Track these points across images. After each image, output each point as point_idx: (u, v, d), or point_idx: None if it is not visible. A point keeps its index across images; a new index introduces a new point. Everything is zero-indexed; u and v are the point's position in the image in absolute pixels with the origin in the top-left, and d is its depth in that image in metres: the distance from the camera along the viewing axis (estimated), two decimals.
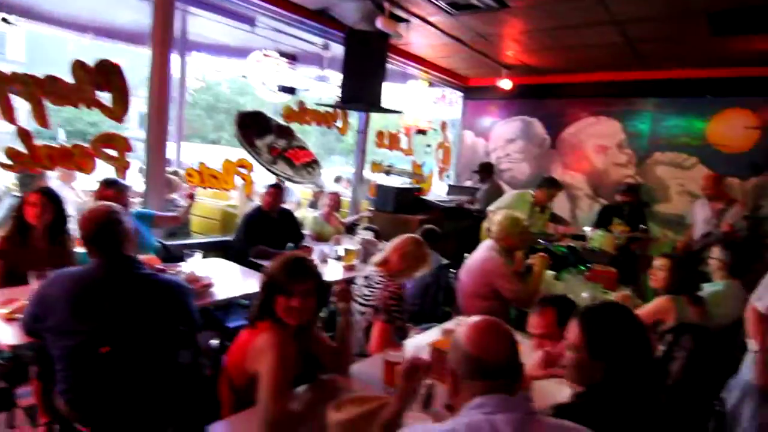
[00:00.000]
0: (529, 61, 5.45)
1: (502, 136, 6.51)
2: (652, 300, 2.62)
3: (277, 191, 3.69)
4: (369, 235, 3.90)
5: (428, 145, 6.34)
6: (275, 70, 4.12)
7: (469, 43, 4.92)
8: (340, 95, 4.05)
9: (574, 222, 5.64)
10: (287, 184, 5.26)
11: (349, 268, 3.44)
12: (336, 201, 4.44)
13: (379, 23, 3.79)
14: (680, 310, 2.45)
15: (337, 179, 7.12)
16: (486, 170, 5.71)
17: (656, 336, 2.51)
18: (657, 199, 5.34)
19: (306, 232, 4.29)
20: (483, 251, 3.08)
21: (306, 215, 4.64)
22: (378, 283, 2.26)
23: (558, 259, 4.27)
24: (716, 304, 2.67)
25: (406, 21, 4.22)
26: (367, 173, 5.61)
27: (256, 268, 3.43)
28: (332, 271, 3.45)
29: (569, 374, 1.27)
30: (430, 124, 5.94)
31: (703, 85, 5.05)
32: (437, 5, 3.82)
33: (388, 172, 5.54)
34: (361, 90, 4.06)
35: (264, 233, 3.54)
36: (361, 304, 2.30)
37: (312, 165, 4.66)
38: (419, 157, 6.22)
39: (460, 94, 6.90)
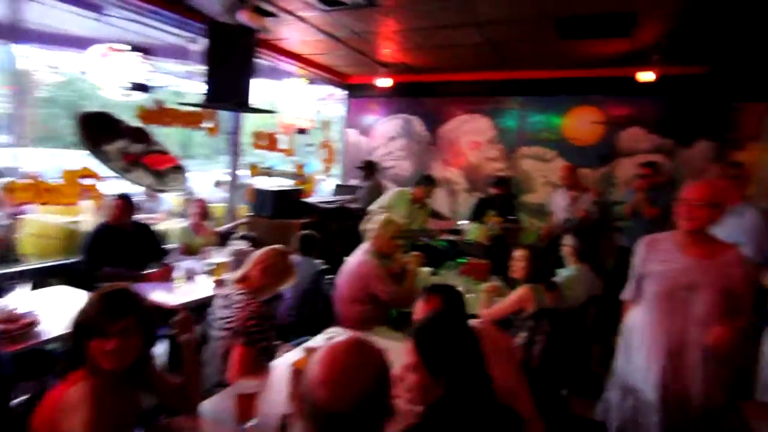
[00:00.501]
0: (405, 60, 5.54)
1: (384, 133, 6.58)
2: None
3: (124, 202, 3.24)
4: (243, 245, 3.64)
5: (310, 145, 6.16)
6: (124, 65, 3.63)
7: (345, 40, 4.84)
8: (205, 93, 3.71)
9: (455, 216, 5.88)
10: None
11: (220, 284, 3.16)
12: (203, 208, 4.06)
13: (242, 17, 3.53)
14: (539, 298, 2.61)
15: (218, 183, 6.60)
16: (368, 168, 5.70)
17: (519, 323, 2.66)
18: (524, 190, 5.79)
19: (173, 245, 3.89)
20: (358, 255, 3.03)
21: (173, 226, 4.20)
22: (237, 303, 2.06)
23: (439, 254, 4.39)
24: (568, 288, 2.91)
25: (274, 15, 4.01)
26: (248, 176, 5.28)
27: None
28: (201, 289, 3.15)
29: (415, 397, 1.20)
30: (311, 123, 5.77)
31: (558, 84, 5.56)
32: (305, 1, 3.66)
33: (267, 175, 5.27)
34: (227, 88, 3.75)
35: (115, 252, 3.10)
36: (219, 328, 2.08)
37: (175, 170, 4.24)
38: (302, 157, 6.03)
39: (344, 91, 6.83)
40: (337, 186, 6.31)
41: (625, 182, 5.22)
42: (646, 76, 4.74)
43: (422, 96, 6.28)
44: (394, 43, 4.93)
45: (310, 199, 5.59)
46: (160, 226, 4.59)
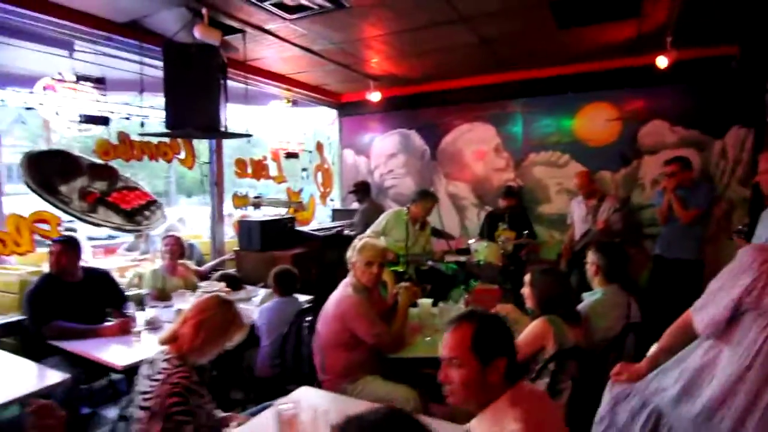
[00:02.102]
0: (395, 71, 5.14)
1: (383, 151, 6.14)
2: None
3: (63, 248, 2.79)
4: (217, 286, 3.20)
5: (304, 170, 5.77)
6: (73, 97, 3.32)
7: (324, 53, 4.47)
8: (165, 120, 3.34)
9: (465, 233, 5.37)
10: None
11: None
12: (175, 245, 3.60)
13: (197, 32, 3.18)
14: (558, 333, 2.08)
15: (181, 220, 6.03)
16: (362, 190, 5.27)
17: (537, 366, 2.13)
18: (538, 201, 5.22)
19: (143, 291, 3.48)
20: (339, 290, 2.55)
21: (145, 270, 3.79)
22: (161, 372, 1.60)
23: (447, 279, 3.89)
24: (598, 315, 2.35)
25: (240, 31, 3.67)
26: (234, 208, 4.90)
27: (55, 352, 2.61)
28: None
29: None
30: (300, 146, 5.39)
31: (564, 82, 5.05)
32: (265, 9, 3.31)
33: (256, 205, 4.87)
34: (191, 112, 3.38)
35: (62, 306, 2.69)
36: (140, 407, 1.61)
37: (150, 207, 3.88)
38: (296, 183, 5.64)
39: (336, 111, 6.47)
40: (334, 211, 5.89)
41: (654, 182, 4.62)
42: (661, 63, 4.20)
43: (417, 108, 5.84)
44: (379, 52, 4.53)
45: (306, 228, 5.18)
46: (141, 270, 4.22)
